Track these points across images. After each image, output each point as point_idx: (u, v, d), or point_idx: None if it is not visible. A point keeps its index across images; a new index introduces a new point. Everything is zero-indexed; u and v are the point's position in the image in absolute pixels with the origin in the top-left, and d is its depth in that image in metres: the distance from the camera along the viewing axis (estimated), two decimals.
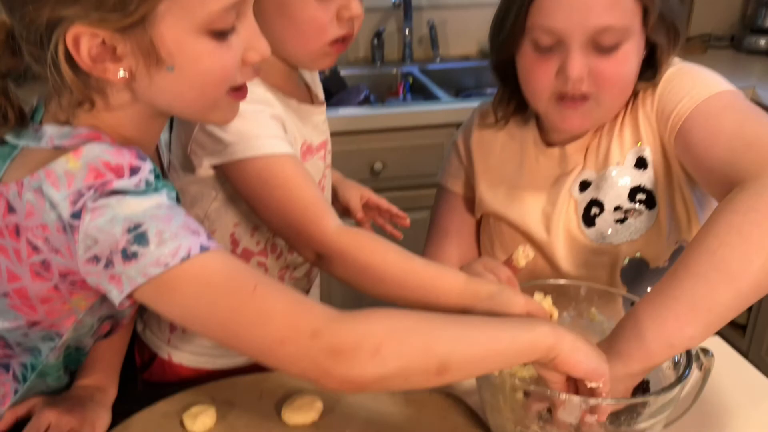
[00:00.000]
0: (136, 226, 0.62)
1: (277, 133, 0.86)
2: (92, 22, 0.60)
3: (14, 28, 0.65)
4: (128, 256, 0.62)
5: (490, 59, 1.00)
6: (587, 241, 0.96)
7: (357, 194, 1.12)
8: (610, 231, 0.94)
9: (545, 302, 0.78)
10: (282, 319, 0.62)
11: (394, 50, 2.41)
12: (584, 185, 0.97)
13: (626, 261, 0.95)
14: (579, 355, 0.67)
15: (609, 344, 0.72)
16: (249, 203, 0.87)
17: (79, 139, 0.66)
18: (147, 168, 0.66)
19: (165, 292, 0.63)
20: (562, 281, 0.88)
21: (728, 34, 2.56)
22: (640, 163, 0.93)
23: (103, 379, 0.91)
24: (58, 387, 0.88)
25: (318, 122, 0.98)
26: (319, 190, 0.87)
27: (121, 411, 0.87)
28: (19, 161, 0.68)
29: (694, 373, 0.73)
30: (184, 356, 1.04)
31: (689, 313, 0.69)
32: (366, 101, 2.14)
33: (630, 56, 0.88)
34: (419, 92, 2.28)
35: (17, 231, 0.66)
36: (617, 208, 0.94)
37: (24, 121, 0.69)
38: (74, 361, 0.85)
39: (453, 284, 0.77)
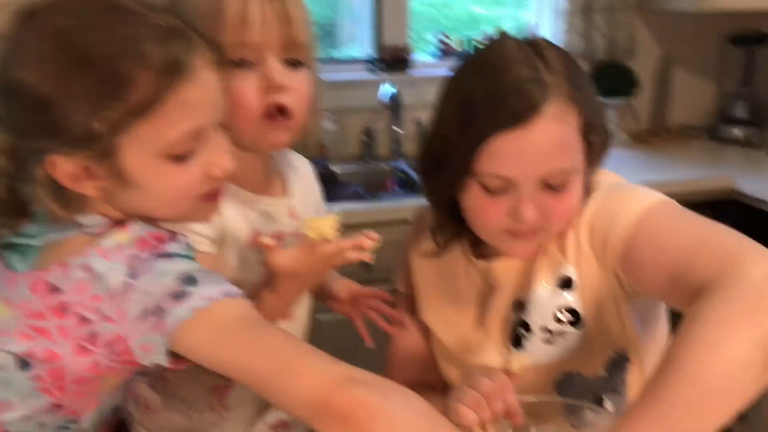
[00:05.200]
0: (187, 274, 0.72)
1: (190, 227, 0.89)
2: (64, 153, 0.70)
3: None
4: (178, 296, 0.69)
5: (426, 194, 0.99)
6: (515, 362, 0.95)
7: (346, 286, 1.14)
8: (537, 352, 0.94)
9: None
10: (306, 347, 0.70)
11: (384, 146, 2.48)
12: (518, 306, 0.97)
13: (559, 376, 0.94)
14: None
15: None
16: None
17: (107, 226, 0.74)
18: (183, 238, 0.77)
19: (204, 321, 0.68)
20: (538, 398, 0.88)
21: (705, 124, 2.65)
22: (565, 284, 0.93)
23: None
24: None
25: (275, 213, 1.01)
26: None
27: None
28: (50, 251, 0.74)
29: None
30: None
31: None
32: (356, 196, 2.20)
33: (579, 188, 0.90)
34: (409, 187, 2.33)
35: (63, 309, 0.71)
36: (544, 330, 0.93)
37: (25, 215, 0.77)
38: None
39: None
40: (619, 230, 0.86)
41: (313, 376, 0.66)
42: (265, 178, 1.03)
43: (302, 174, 1.12)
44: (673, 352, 0.69)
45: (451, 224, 0.98)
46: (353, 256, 0.87)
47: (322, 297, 1.16)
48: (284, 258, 0.87)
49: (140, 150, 0.71)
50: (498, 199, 0.88)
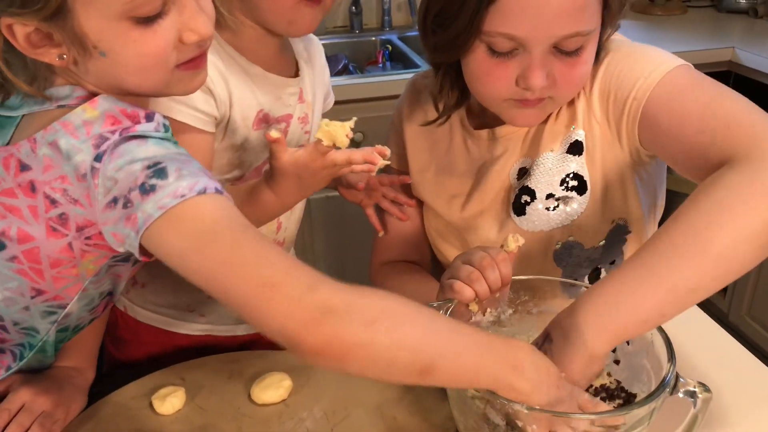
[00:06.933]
0: (156, 164, 0.64)
1: (190, 103, 0.85)
2: (14, 15, 0.62)
3: None
4: (146, 190, 0.63)
5: (427, 54, 0.92)
6: (517, 229, 0.93)
7: (362, 175, 1.07)
8: (540, 219, 0.92)
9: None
10: (282, 266, 0.61)
11: (372, 18, 2.38)
12: (521, 173, 0.94)
13: (559, 245, 0.93)
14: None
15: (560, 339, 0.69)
16: None
17: (81, 99, 0.68)
18: (160, 117, 0.69)
19: (175, 224, 0.63)
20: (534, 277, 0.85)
21: None
22: (574, 149, 0.89)
23: (81, 361, 0.92)
24: (48, 364, 0.88)
25: (284, 95, 0.97)
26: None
27: (90, 393, 0.88)
28: (25, 125, 0.70)
29: (689, 409, 0.69)
30: (138, 311, 1.07)
31: (658, 289, 0.65)
32: (345, 70, 2.12)
33: (591, 55, 0.84)
34: (399, 60, 2.25)
35: (33, 187, 0.67)
36: (549, 196, 0.90)
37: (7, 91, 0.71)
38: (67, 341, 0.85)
39: None
40: (640, 92, 0.82)
41: (283, 309, 0.59)
42: (278, 56, 0.97)
43: (315, 57, 1.06)
44: (685, 212, 0.68)
45: (454, 89, 0.93)
46: (360, 169, 0.81)
47: (334, 184, 1.10)
48: (290, 157, 0.81)
49: (98, 11, 0.63)
50: (505, 62, 0.81)
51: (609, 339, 0.67)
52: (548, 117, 0.91)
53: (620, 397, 0.74)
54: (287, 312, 0.59)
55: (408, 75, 2.04)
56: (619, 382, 0.76)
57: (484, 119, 0.96)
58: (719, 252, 0.64)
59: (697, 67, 0.86)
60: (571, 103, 0.89)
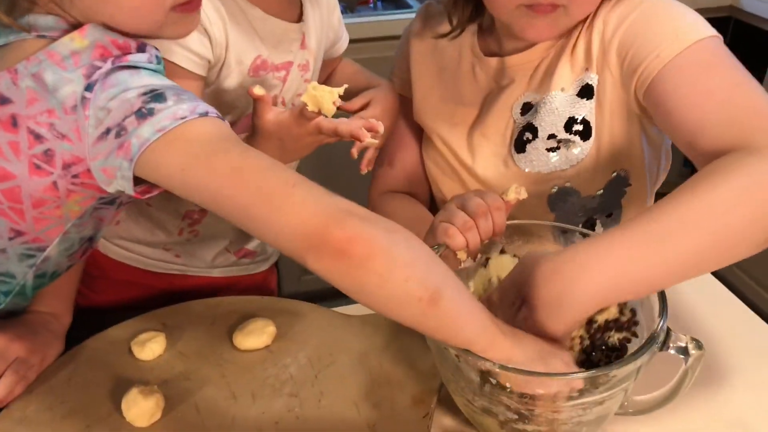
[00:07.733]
0: (153, 90, 0.62)
1: (184, 43, 0.80)
2: None
3: None
4: (144, 114, 0.61)
5: None
6: (514, 167, 0.91)
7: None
8: (539, 159, 0.89)
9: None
10: (296, 174, 0.61)
11: None
12: (526, 108, 0.90)
13: (554, 189, 0.90)
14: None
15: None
16: None
17: (65, 32, 0.65)
18: (152, 48, 0.67)
19: (175, 143, 0.61)
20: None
21: None
22: (585, 92, 0.86)
23: (57, 306, 0.89)
24: (23, 307, 0.86)
25: (285, 40, 0.92)
26: None
27: (69, 338, 0.85)
28: (0, 55, 0.66)
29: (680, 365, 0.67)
30: (109, 247, 1.04)
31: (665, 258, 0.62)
32: None
33: None
34: (391, 0, 2.19)
35: (14, 122, 0.64)
36: (551, 137, 0.87)
37: None
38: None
39: None
40: (656, 60, 0.78)
41: (306, 206, 0.58)
42: (286, 4, 0.92)
43: (321, 6, 1.00)
44: (701, 189, 0.64)
45: (469, 2, 0.91)
46: (349, 140, 0.77)
47: None
48: (274, 117, 0.78)
49: None
50: None
51: (599, 307, 0.65)
52: (561, 53, 0.87)
53: (630, 330, 0.71)
54: (310, 208, 0.58)
55: (400, 15, 2.00)
56: (633, 314, 0.72)
57: (496, 43, 0.93)
58: (736, 237, 0.62)
59: (697, 12, 0.81)
60: (589, 44, 0.86)
